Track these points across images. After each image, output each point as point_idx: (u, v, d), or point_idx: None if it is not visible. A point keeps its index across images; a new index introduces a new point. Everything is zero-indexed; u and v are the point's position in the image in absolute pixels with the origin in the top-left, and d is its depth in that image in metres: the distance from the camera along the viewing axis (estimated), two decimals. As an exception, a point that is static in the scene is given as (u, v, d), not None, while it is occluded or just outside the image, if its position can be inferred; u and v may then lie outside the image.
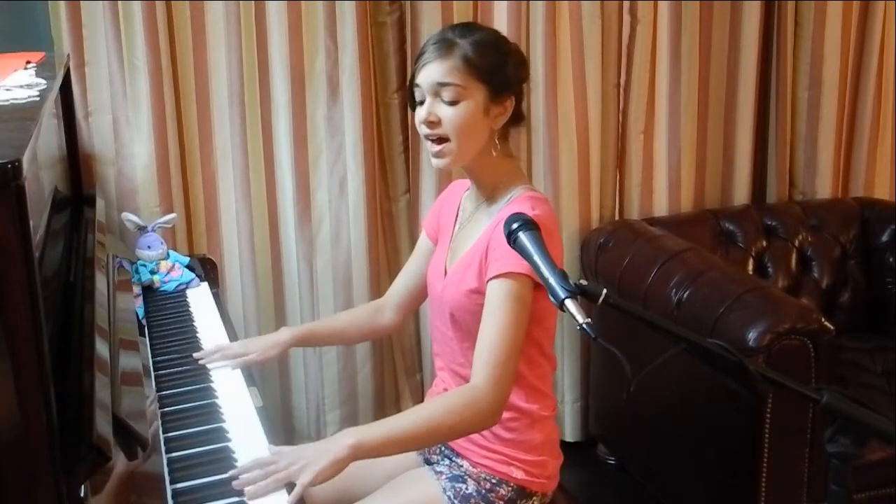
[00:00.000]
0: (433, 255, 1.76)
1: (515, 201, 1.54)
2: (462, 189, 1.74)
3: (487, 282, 1.50)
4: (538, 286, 1.44)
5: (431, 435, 1.48)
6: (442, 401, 1.49)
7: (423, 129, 1.57)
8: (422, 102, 1.56)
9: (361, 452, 1.37)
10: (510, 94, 1.56)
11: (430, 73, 1.53)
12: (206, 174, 2.47)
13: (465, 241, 1.64)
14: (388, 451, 1.44)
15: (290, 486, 1.32)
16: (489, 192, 1.62)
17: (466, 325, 1.58)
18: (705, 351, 1.16)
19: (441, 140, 1.55)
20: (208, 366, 1.73)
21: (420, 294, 1.82)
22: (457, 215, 1.72)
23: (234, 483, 1.32)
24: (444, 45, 1.53)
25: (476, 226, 1.62)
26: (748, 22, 2.75)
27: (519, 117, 1.62)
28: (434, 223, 1.80)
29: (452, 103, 1.52)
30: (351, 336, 2.02)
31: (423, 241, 1.83)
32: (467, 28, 1.57)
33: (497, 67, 1.54)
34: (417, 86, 1.56)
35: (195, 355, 1.74)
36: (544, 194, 1.65)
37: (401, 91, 2.54)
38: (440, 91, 1.53)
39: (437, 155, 1.56)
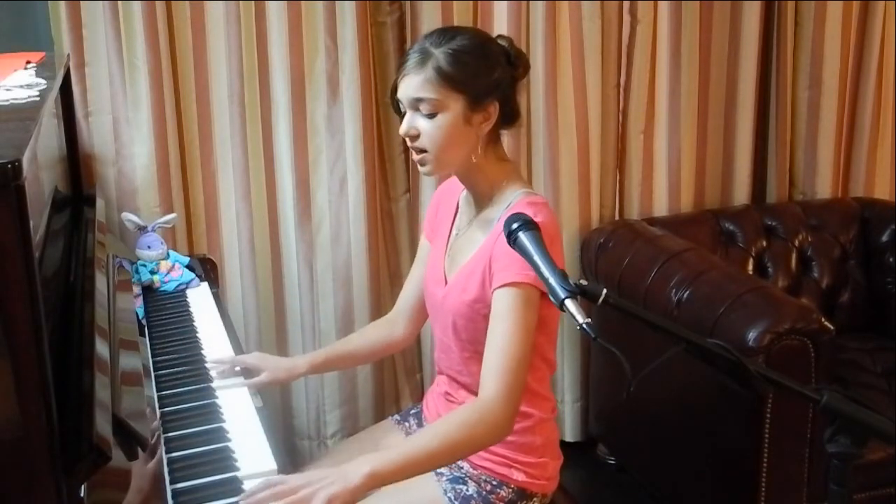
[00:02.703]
0: (430, 258, 1.74)
1: (515, 207, 1.52)
2: (459, 187, 1.71)
3: (493, 291, 1.49)
4: (543, 295, 1.43)
5: (448, 453, 1.44)
6: (454, 417, 1.47)
7: (407, 140, 1.57)
8: (406, 112, 1.56)
9: (378, 480, 1.33)
10: (492, 99, 1.54)
11: (406, 87, 1.53)
12: (206, 174, 2.47)
13: (464, 248, 1.63)
14: (405, 474, 1.38)
15: None
16: (486, 198, 1.61)
17: (468, 333, 1.58)
18: (705, 351, 1.16)
19: (422, 151, 1.55)
20: (217, 379, 1.68)
21: None
22: (454, 218, 1.71)
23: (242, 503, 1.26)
24: (420, 56, 1.52)
25: (475, 233, 1.61)
26: (748, 22, 2.75)
27: (511, 118, 1.60)
28: (432, 222, 1.79)
29: (430, 116, 1.52)
30: (366, 357, 2.01)
31: (425, 244, 1.81)
32: (446, 34, 1.55)
33: (474, 74, 1.52)
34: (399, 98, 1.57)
35: (208, 364, 1.71)
36: (543, 197, 1.64)
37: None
38: (418, 105, 1.53)
39: (420, 163, 1.57)
